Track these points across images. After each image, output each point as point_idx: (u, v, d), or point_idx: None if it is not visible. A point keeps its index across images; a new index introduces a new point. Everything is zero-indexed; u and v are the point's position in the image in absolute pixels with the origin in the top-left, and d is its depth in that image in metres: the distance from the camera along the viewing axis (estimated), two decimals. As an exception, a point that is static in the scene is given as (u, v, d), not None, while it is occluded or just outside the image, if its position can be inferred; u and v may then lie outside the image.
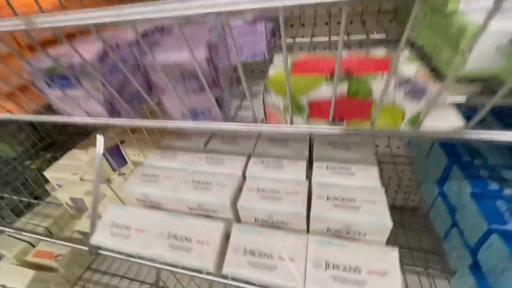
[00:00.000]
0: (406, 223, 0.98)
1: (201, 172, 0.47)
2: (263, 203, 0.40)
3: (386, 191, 0.92)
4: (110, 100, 0.33)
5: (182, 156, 0.52)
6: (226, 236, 0.38)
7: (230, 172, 0.47)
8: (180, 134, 0.59)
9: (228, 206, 0.41)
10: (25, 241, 0.86)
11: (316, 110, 0.26)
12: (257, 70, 0.78)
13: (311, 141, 0.52)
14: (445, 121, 0.24)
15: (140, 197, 0.47)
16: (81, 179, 0.70)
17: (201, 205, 0.43)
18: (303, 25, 0.66)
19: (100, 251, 0.43)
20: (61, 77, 0.32)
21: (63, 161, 0.77)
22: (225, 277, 0.36)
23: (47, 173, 0.73)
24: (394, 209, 1.03)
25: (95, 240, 0.41)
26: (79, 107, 0.34)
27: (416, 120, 0.24)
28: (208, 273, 0.37)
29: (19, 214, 0.96)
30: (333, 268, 0.32)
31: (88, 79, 0.31)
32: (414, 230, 0.90)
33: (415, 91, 0.23)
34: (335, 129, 0.26)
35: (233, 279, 0.36)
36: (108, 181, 0.68)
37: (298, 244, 0.34)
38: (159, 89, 0.29)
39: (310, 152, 0.51)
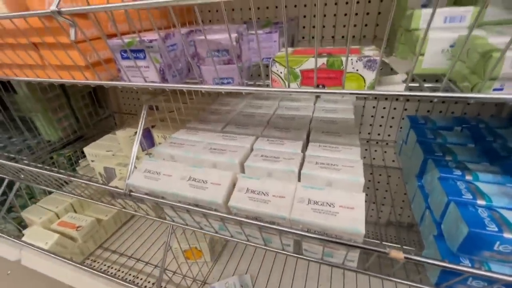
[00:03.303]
0: (401, 238, 1.02)
1: (217, 143, 0.59)
2: (265, 163, 0.50)
3: (382, 205, 0.99)
4: (164, 69, 0.47)
5: (202, 134, 0.64)
6: (233, 184, 0.48)
7: (241, 145, 0.58)
8: (202, 120, 0.72)
9: (237, 166, 0.52)
10: (52, 211, 0.97)
11: (306, 77, 0.38)
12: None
13: (309, 129, 0.63)
14: (392, 88, 0.36)
15: (166, 158, 0.58)
16: (114, 155, 0.82)
17: (215, 165, 0.54)
18: (312, 37, 0.81)
19: (132, 193, 0.53)
20: (134, 50, 0.46)
21: (100, 141, 0.91)
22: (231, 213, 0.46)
23: (86, 149, 0.87)
24: (391, 224, 1.07)
25: (130, 181, 0.52)
26: (141, 74, 0.48)
27: (373, 85, 0.36)
28: (216, 210, 0.46)
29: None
30: (314, 204, 0.41)
31: (152, 52, 0.45)
32: (410, 246, 0.94)
33: (370, 64, 0.35)
34: (318, 90, 0.37)
35: (236, 214, 0.45)
36: (137, 158, 0.80)
37: (289, 187, 0.44)
38: (201, 60, 0.43)
39: (307, 137, 0.62)
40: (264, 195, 0.44)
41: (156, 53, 0.45)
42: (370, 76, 0.36)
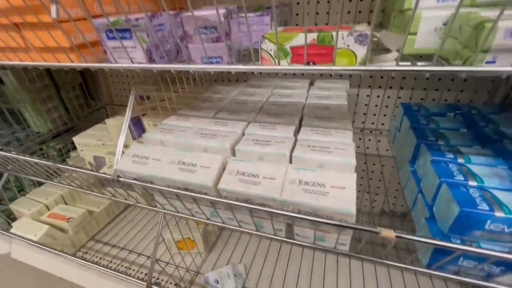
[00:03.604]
0: (394, 227, 1.02)
1: (208, 129, 0.58)
2: (256, 147, 0.49)
3: (376, 194, 0.98)
4: (151, 50, 0.45)
5: (194, 120, 0.63)
6: (223, 167, 0.47)
7: (232, 130, 0.57)
8: (193, 108, 0.71)
9: (228, 150, 0.51)
10: (42, 203, 0.95)
11: (296, 54, 0.37)
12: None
13: (302, 115, 0.63)
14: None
15: (156, 144, 0.57)
16: (104, 144, 0.81)
17: (206, 149, 0.53)
18: (308, 13, 0.80)
19: (120, 179, 0.52)
20: (119, 30, 0.44)
21: (90, 131, 0.89)
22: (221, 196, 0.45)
23: (76, 138, 0.85)
24: (385, 214, 1.08)
25: (118, 166, 0.51)
26: (127, 55, 0.46)
27: (365, 61, 0.35)
28: (206, 194, 0.46)
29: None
30: (304, 184, 0.40)
31: (138, 31, 0.43)
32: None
33: (361, 38, 0.34)
34: (309, 68, 0.36)
35: (226, 197, 0.44)
36: (126, 146, 0.78)
37: (280, 169, 0.43)
38: (188, 38, 0.41)
39: (300, 123, 0.61)
40: (255, 177, 0.43)
41: (143, 32, 0.44)
42: (361, 51, 0.35)
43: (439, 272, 0.42)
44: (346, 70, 0.35)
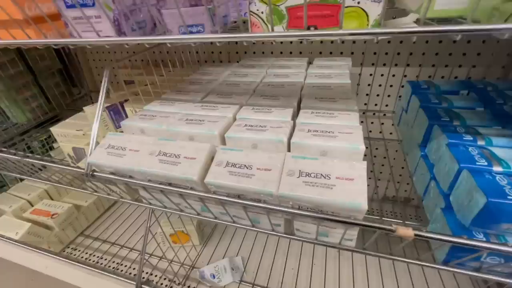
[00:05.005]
0: (397, 213, 0.98)
1: (195, 114, 0.51)
2: (249, 133, 0.43)
3: (378, 180, 0.92)
4: (119, 20, 0.38)
5: (179, 104, 0.56)
6: (211, 157, 0.41)
7: (222, 115, 0.50)
8: (179, 91, 0.64)
9: (217, 137, 0.44)
10: (24, 199, 0.89)
11: (293, 17, 0.30)
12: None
13: (301, 96, 0.56)
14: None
15: (136, 132, 0.50)
16: (84, 135, 0.74)
17: (192, 138, 0.46)
18: None
19: (95, 173, 0.46)
20: (78, -5, 0.37)
21: (70, 120, 0.81)
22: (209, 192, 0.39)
23: (53, 129, 0.77)
24: (387, 199, 1.04)
25: (91, 158, 0.45)
26: (92, 28, 0.39)
27: (379, 22, 0.28)
28: (192, 188, 0.40)
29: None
30: (306, 176, 0.34)
31: (102, -3, 0.36)
32: (407, 220, 0.91)
33: (376, -8, 0.27)
34: (310, 33, 0.29)
35: (216, 192, 0.39)
36: (110, 136, 0.72)
37: (276, 158, 0.37)
38: (162, 1, 0.34)
39: (298, 105, 0.54)
40: (247, 168, 0.37)
41: (107, -3, 0.36)
42: (375, 10, 0.28)
43: (458, 269, 0.38)
44: (356, 34, 0.28)
